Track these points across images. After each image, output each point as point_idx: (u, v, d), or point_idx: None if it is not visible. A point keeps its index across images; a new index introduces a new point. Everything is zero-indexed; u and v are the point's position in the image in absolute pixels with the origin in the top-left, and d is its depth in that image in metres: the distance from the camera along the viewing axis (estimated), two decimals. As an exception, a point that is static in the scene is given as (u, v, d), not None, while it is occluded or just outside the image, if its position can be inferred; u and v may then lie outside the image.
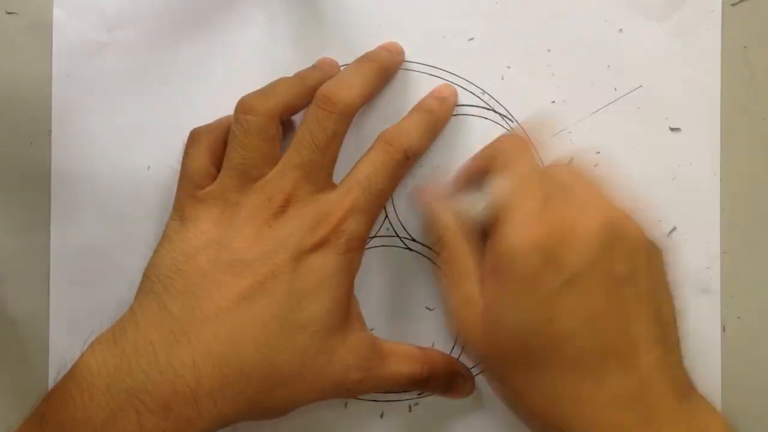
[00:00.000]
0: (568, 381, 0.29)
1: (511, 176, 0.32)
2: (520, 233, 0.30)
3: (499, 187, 0.32)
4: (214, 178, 0.34)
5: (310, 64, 0.38)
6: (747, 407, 0.38)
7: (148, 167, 0.38)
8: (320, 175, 0.33)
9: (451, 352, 0.38)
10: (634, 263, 0.30)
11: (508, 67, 0.38)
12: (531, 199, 0.30)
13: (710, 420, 0.30)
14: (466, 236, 0.33)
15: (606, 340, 0.29)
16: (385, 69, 0.36)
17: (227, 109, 0.38)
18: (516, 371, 0.30)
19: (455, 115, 0.38)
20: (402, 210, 0.38)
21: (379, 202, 0.34)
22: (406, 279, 0.38)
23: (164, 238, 0.33)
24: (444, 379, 0.36)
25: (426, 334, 0.38)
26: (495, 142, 0.36)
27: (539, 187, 0.31)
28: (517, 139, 0.36)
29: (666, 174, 0.38)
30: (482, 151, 0.36)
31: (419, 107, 0.36)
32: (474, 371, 0.38)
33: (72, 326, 0.38)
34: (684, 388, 0.30)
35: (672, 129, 0.38)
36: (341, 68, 0.38)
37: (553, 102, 0.38)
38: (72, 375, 0.30)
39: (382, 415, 0.38)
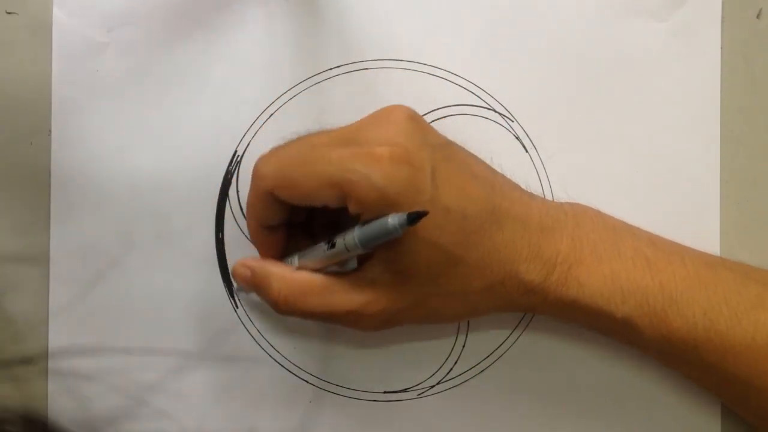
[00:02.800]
0: (497, 241, 0.32)
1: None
2: (374, 171, 0.30)
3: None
4: None
5: (309, 64, 0.38)
6: (747, 407, 0.38)
7: (148, 167, 0.38)
8: None
9: (451, 352, 0.38)
10: (434, 129, 0.34)
11: (508, 67, 0.38)
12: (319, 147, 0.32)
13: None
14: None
15: (485, 190, 0.32)
16: None
17: (227, 109, 0.38)
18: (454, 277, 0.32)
19: (455, 115, 0.38)
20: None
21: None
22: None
23: None
24: None
25: (426, 333, 0.38)
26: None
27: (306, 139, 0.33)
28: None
29: (666, 174, 0.38)
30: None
31: None
32: (475, 371, 0.38)
33: (72, 326, 0.38)
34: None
35: (672, 128, 0.38)
36: (338, 68, 0.38)
37: (553, 101, 0.38)
38: None
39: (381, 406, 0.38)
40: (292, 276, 0.33)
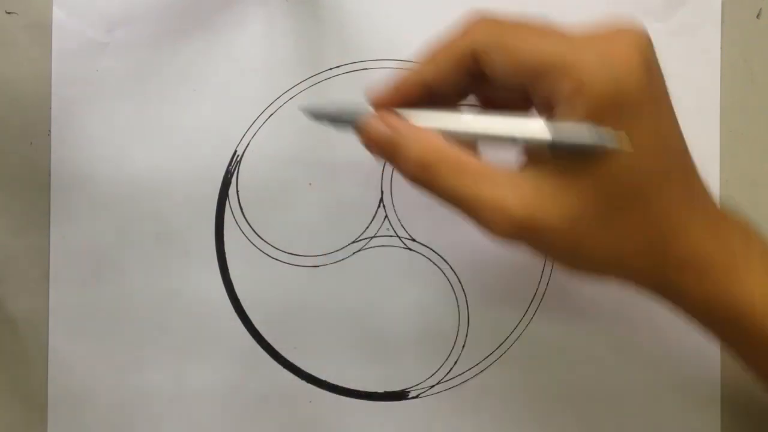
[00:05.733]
0: (683, 215, 0.28)
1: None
2: (614, 51, 0.27)
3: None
4: None
5: (309, 64, 0.38)
6: (747, 407, 0.38)
7: (148, 167, 0.38)
8: None
9: (450, 352, 0.38)
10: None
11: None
12: (582, 36, 0.28)
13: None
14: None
15: (686, 164, 0.29)
16: None
17: (227, 109, 0.38)
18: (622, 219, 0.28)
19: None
20: (402, 210, 0.38)
21: None
22: (406, 278, 0.38)
23: None
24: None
25: (426, 333, 0.38)
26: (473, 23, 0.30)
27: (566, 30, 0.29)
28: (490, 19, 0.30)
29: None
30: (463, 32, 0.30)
31: None
32: (475, 371, 0.38)
33: (72, 326, 0.38)
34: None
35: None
36: (338, 68, 0.38)
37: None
38: None
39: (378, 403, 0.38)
40: (444, 145, 0.28)
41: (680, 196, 0.28)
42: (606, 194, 0.27)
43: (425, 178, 0.29)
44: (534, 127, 0.27)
